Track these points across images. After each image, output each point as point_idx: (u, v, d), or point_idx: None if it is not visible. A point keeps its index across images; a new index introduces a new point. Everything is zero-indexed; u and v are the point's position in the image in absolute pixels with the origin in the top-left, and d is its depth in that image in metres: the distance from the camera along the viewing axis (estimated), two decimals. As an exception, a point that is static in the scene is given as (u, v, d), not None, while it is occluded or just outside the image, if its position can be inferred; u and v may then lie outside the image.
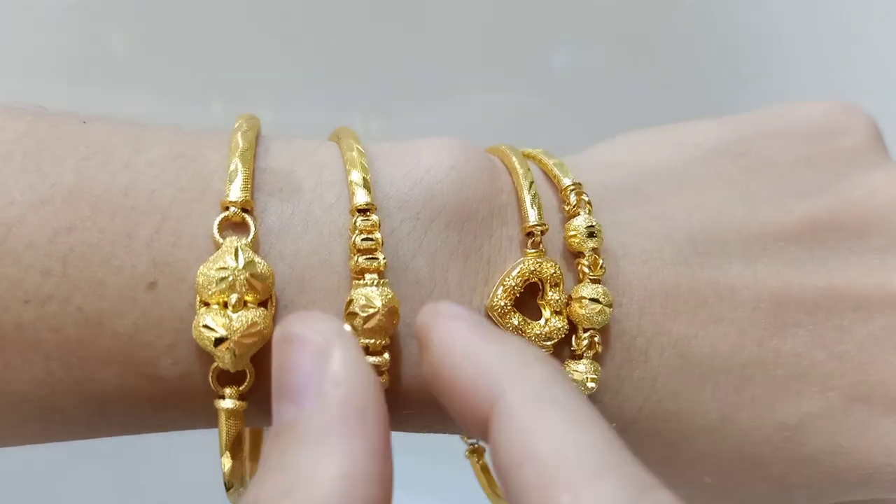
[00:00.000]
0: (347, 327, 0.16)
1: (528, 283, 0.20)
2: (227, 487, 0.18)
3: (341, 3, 0.38)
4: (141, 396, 0.18)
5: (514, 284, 0.20)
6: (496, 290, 0.20)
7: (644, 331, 0.21)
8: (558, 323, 0.20)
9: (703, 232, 0.22)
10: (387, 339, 0.18)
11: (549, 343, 0.20)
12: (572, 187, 0.21)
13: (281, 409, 0.15)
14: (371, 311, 0.18)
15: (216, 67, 0.38)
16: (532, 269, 0.20)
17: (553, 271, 0.20)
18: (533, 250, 0.20)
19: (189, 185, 0.18)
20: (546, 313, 0.20)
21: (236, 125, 0.20)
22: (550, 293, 0.20)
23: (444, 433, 0.21)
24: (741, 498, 0.23)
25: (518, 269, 0.20)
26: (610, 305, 0.20)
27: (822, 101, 0.24)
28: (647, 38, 0.40)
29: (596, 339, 0.20)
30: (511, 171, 0.21)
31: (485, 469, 0.25)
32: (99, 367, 0.17)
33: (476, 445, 0.25)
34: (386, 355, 0.18)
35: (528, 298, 0.20)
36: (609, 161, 0.24)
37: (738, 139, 0.23)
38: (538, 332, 0.20)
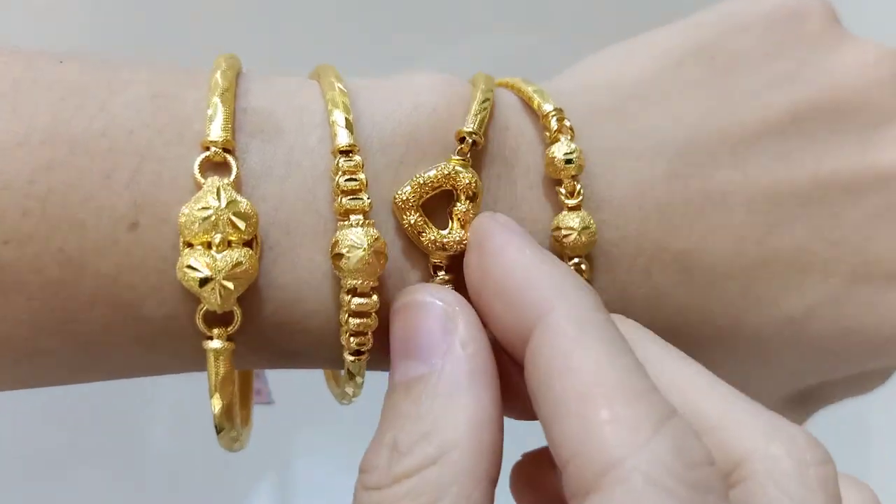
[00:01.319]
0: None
1: (440, 188, 0.19)
2: (218, 430, 0.19)
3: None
4: (127, 338, 0.18)
5: (422, 181, 0.19)
6: (405, 185, 0.19)
7: (644, 250, 0.21)
8: (457, 235, 0.19)
9: (688, 142, 0.22)
10: (375, 280, 0.18)
11: (442, 252, 0.19)
12: (553, 113, 0.21)
13: (409, 366, 0.17)
14: (357, 251, 0.18)
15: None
16: (446, 172, 0.19)
17: (469, 181, 0.19)
18: (458, 157, 0.19)
19: (167, 127, 0.18)
20: (454, 224, 0.19)
21: (215, 64, 0.19)
22: (459, 204, 0.19)
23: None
24: (756, 391, 0.24)
25: (434, 171, 0.19)
26: (587, 230, 0.20)
27: None
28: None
29: (582, 266, 0.20)
30: (472, 99, 0.20)
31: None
32: (83, 309, 0.17)
33: None
34: (374, 297, 0.18)
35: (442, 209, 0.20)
36: (586, 83, 0.23)
37: (707, 41, 0.23)
38: (433, 237, 0.19)
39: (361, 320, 0.18)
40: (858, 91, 0.23)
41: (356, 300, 0.18)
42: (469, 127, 0.19)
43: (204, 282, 0.17)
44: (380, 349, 0.19)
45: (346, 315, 0.18)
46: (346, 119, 0.19)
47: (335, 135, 0.19)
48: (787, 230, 0.22)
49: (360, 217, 0.18)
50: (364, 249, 0.18)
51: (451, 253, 0.19)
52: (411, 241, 0.19)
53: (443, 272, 0.19)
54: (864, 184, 0.22)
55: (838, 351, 0.23)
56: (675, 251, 0.21)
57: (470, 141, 0.19)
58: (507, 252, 0.17)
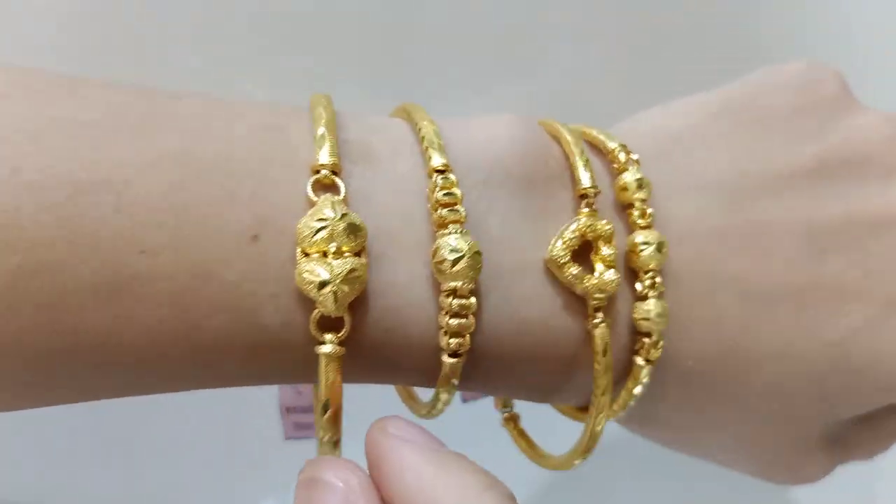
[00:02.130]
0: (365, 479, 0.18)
1: (583, 238, 0.21)
2: (322, 434, 0.20)
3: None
4: (244, 345, 0.19)
5: (571, 237, 0.21)
6: (554, 242, 0.21)
7: (703, 273, 0.23)
8: (612, 275, 0.21)
9: (732, 180, 0.24)
10: (473, 282, 0.20)
11: (601, 295, 0.21)
12: (619, 148, 0.23)
13: None
14: (458, 254, 0.19)
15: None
16: (588, 224, 0.21)
17: (607, 228, 0.22)
18: (587, 209, 0.22)
19: (279, 155, 0.20)
20: (599, 267, 0.21)
21: (313, 101, 0.22)
22: (604, 248, 0.21)
23: (517, 397, 0.23)
24: (799, 422, 0.25)
25: (575, 224, 0.21)
26: (663, 246, 0.22)
27: (794, 61, 0.27)
28: (649, 35, 0.42)
29: (657, 279, 0.22)
30: (561, 141, 0.23)
31: (522, 434, 0.26)
32: (207, 316, 0.19)
33: (511, 413, 0.26)
34: (473, 299, 0.20)
35: (580, 259, 0.22)
36: (633, 131, 0.26)
37: (738, 100, 0.26)
38: (593, 282, 0.21)
39: (460, 321, 0.20)
40: (872, 145, 0.26)
41: (456, 301, 0.20)
42: (587, 183, 0.22)
43: (322, 285, 0.19)
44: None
45: (446, 316, 0.20)
46: (439, 143, 0.21)
47: (430, 157, 0.21)
48: (826, 259, 0.24)
49: (458, 226, 0.20)
50: (464, 253, 0.19)
51: (611, 293, 0.21)
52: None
53: (601, 313, 0.21)
54: (888, 221, 0.25)
55: (874, 378, 0.24)
56: (732, 273, 0.23)
57: (592, 194, 0.22)
58: (406, 478, 0.17)
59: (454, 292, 0.20)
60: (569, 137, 0.23)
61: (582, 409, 0.25)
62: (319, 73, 0.39)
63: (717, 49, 0.41)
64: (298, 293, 0.19)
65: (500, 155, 0.22)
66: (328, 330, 0.19)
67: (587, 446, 0.23)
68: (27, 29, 0.35)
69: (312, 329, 0.19)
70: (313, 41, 0.39)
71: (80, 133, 0.19)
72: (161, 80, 0.22)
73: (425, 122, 0.22)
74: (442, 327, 0.20)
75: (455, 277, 0.19)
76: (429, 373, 0.21)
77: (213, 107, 0.21)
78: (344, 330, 0.19)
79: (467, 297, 0.20)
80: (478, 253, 0.20)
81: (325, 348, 0.19)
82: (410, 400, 0.25)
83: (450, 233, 0.20)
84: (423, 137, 0.21)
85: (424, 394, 0.24)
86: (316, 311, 0.19)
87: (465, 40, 0.41)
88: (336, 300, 0.19)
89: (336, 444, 0.20)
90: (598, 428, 0.22)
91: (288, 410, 0.32)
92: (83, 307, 0.18)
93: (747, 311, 0.23)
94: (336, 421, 0.20)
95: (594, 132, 0.24)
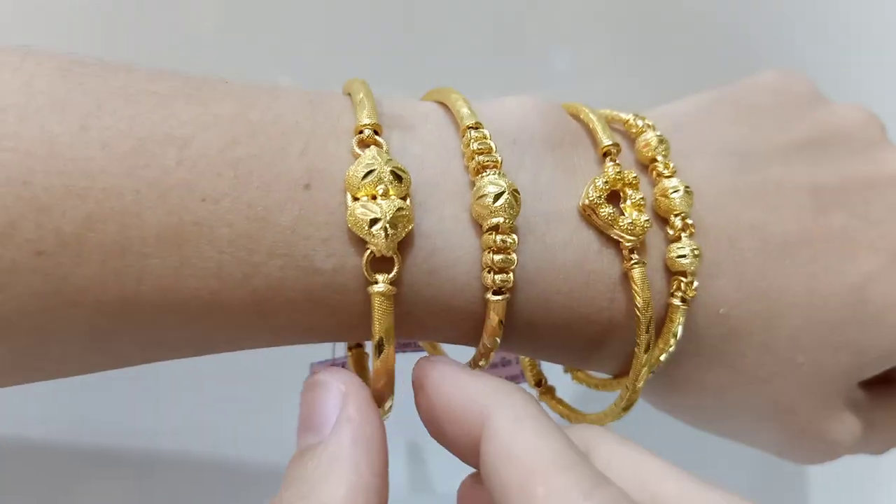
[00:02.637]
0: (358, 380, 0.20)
1: (612, 188, 0.23)
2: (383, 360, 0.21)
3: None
4: (298, 291, 0.20)
5: (602, 185, 0.22)
6: (587, 189, 0.22)
7: (722, 223, 0.25)
8: (642, 217, 0.22)
9: (741, 148, 0.27)
10: (514, 220, 0.21)
11: (633, 236, 0.22)
12: (634, 116, 0.25)
13: (306, 437, 0.20)
14: (499, 188, 0.21)
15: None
16: (615, 174, 0.23)
17: (633, 176, 0.23)
18: (611, 163, 0.23)
19: (323, 121, 0.22)
20: (628, 211, 0.23)
21: (348, 83, 0.23)
22: (631, 193, 0.23)
23: (556, 359, 0.24)
24: (825, 378, 0.26)
25: (603, 176, 0.23)
26: (689, 190, 0.23)
27: (766, 70, 0.30)
28: (649, 37, 0.43)
29: (688, 220, 0.23)
30: (580, 113, 0.25)
31: (560, 402, 0.28)
32: (264, 260, 0.20)
33: (546, 386, 0.28)
34: (514, 235, 0.21)
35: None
36: (647, 114, 0.28)
37: (729, 96, 0.29)
38: (626, 223, 0.22)
39: (503, 256, 0.21)
40: (848, 123, 0.29)
41: (499, 237, 0.21)
42: (607, 141, 0.23)
43: (373, 222, 0.20)
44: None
45: (490, 253, 0.21)
46: (469, 108, 0.22)
47: (461, 117, 0.22)
48: (832, 212, 0.26)
49: (496, 170, 0.21)
50: (504, 189, 0.21)
51: (642, 235, 0.22)
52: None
53: (635, 254, 0.22)
54: (880, 182, 0.28)
55: (892, 323, 0.26)
56: (749, 223, 0.25)
57: (614, 151, 0.23)
58: (444, 383, 0.20)
59: (496, 228, 0.21)
60: (586, 108, 0.24)
61: (617, 377, 0.25)
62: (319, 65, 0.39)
63: (715, 48, 0.43)
64: (350, 238, 0.20)
65: (527, 119, 0.23)
66: (379, 272, 0.20)
67: (630, 400, 0.24)
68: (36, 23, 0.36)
69: (365, 269, 0.20)
70: (312, 27, 0.40)
71: (142, 100, 0.20)
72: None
73: (453, 95, 0.23)
74: (486, 265, 0.21)
75: (497, 213, 0.21)
76: (473, 320, 0.22)
77: (258, 88, 0.22)
78: (395, 270, 0.20)
79: (508, 234, 0.21)
80: (516, 191, 0.21)
81: (378, 287, 0.20)
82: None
83: (488, 174, 0.21)
84: (453, 102, 0.23)
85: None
86: (367, 251, 0.20)
87: (462, 40, 0.42)
88: (387, 237, 0.20)
89: (390, 387, 0.21)
90: (640, 384, 0.23)
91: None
92: (148, 255, 0.19)
93: (768, 257, 0.25)
94: (390, 362, 0.20)
95: (608, 111, 0.26)
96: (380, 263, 0.20)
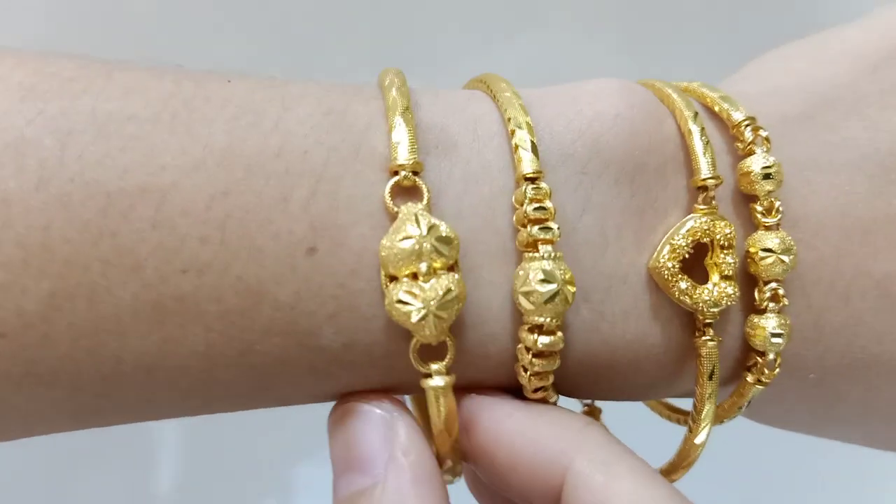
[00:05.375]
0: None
1: (697, 242, 0.18)
2: (446, 468, 0.18)
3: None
4: (302, 368, 0.17)
5: (682, 244, 0.18)
6: (661, 248, 0.18)
7: (843, 274, 0.19)
8: (728, 288, 0.18)
9: (893, 156, 0.20)
10: (562, 318, 0.17)
11: (715, 310, 0.18)
12: (746, 122, 0.19)
13: (352, 480, 0.17)
14: (550, 287, 0.17)
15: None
16: (704, 228, 0.18)
17: (726, 231, 0.18)
18: (704, 206, 0.18)
19: (342, 144, 0.17)
20: (714, 277, 0.18)
21: (387, 81, 0.18)
22: (721, 255, 0.18)
23: (610, 399, 0.20)
24: None
25: (687, 226, 0.18)
26: (788, 252, 0.18)
27: None
28: None
29: (780, 291, 0.19)
30: (676, 115, 0.19)
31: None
32: (260, 339, 0.17)
33: (591, 406, 0.24)
34: (559, 334, 0.17)
35: (693, 259, 0.18)
36: (774, 85, 0.21)
37: (893, 46, 0.21)
38: (706, 297, 0.18)
39: (545, 360, 0.17)
40: None
41: (543, 339, 0.17)
42: (706, 172, 0.18)
43: (418, 315, 0.16)
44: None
45: (529, 355, 0.17)
46: (532, 142, 0.17)
47: (520, 159, 0.17)
48: None
49: (550, 249, 0.17)
50: (557, 287, 0.17)
51: (724, 308, 0.18)
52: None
53: (710, 329, 0.18)
54: None
55: None
56: (877, 275, 0.19)
57: (712, 186, 0.18)
58: (503, 425, 0.17)
59: (540, 328, 0.17)
60: (685, 111, 0.19)
61: (674, 409, 0.22)
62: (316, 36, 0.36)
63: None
64: (360, 310, 0.17)
65: (602, 138, 0.18)
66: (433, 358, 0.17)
67: (688, 462, 0.21)
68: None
69: (413, 360, 0.17)
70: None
71: (115, 130, 0.16)
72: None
73: (508, 95, 0.18)
74: (522, 364, 0.17)
75: (544, 313, 0.17)
76: (514, 387, 0.19)
77: (266, 90, 0.18)
78: (448, 357, 0.17)
79: (554, 333, 0.17)
80: (571, 283, 0.17)
81: (435, 382, 0.17)
82: None
83: (541, 257, 0.17)
84: (508, 120, 0.18)
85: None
86: (415, 339, 0.17)
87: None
88: (435, 328, 0.16)
89: (458, 473, 0.19)
90: (696, 453, 0.20)
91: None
92: (124, 333, 0.16)
93: (887, 319, 0.20)
94: (457, 449, 0.18)
95: (715, 97, 0.20)
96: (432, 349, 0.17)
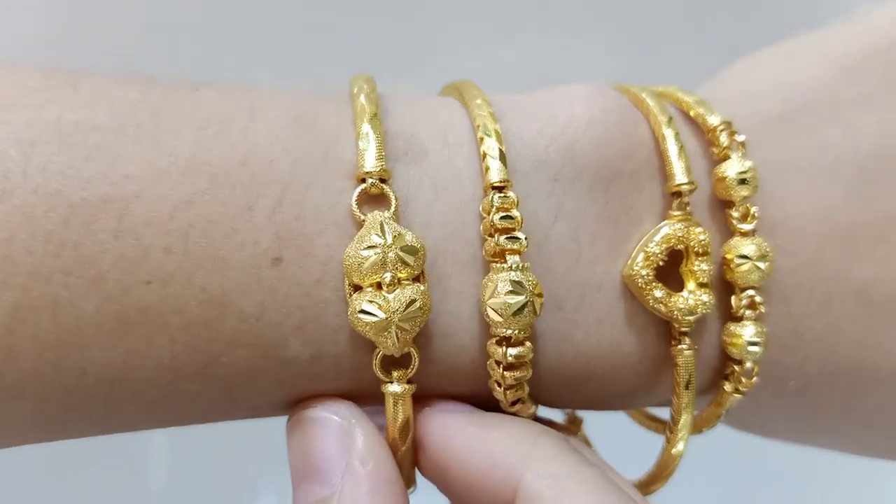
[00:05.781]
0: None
1: (672, 249, 0.18)
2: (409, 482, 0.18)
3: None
4: (269, 380, 0.17)
5: (656, 252, 0.18)
6: (635, 256, 0.18)
7: (822, 280, 0.19)
8: (704, 296, 0.18)
9: (872, 159, 0.20)
10: (530, 329, 0.17)
11: (691, 318, 0.18)
12: (721, 126, 0.19)
13: (309, 491, 0.16)
14: (518, 299, 0.16)
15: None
16: (678, 234, 0.18)
17: (701, 238, 0.18)
18: (679, 212, 0.18)
19: (309, 152, 0.17)
20: (690, 284, 0.18)
21: (355, 88, 0.18)
22: (696, 262, 0.18)
23: (590, 409, 0.20)
24: None
25: (662, 233, 0.18)
26: (764, 259, 0.18)
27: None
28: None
29: (757, 298, 0.18)
30: (650, 119, 0.19)
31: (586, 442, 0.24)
32: (225, 350, 0.17)
33: (572, 416, 0.23)
34: (528, 344, 0.17)
35: (667, 269, 0.18)
36: (750, 89, 0.21)
37: (882, 46, 0.21)
38: (681, 305, 0.18)
39: (517, 372, 0.17)
40: None
41: (512, 351, 0.17)
42: (681, 178, 0.18)
43: (380, 326, 0.16)
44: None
45: (501, 369, 0.17)
46: (500, 150, 0.17)
47: (487, 168, 0.17)
48: None
49: (518, 259, 0.17)
50: (526, 298, 0.16)
51: (699, 316, 0.18)
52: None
53: (688, 339, 0.18)
54: None
55: None
56: (856, 281, 0.19)
57: (686, 192, 0.18)
58: (454, 441, 0.17)
59: (508, 340, 0.17)
60: (660, 115, 0.19)
61: (654, 419, 0.22)
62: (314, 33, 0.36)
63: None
64: (326, 321, 0.17)
65: (576, 144, 0.18)
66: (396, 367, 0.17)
67: (667, 473, 0.21)
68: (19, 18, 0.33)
69: (376, 369, 0.17)
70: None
71: (79, 140, 0.16)
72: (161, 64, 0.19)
73: (479, 102, 0.18)
74: (494, 378, 0.17)
75: (511, 325, 0.16)
76: (488, 401, 0.18)
77: (233, 98, 0.18)
78: (412, 367, 0.17)
79: (522, 344, 0.17)
80: (540, 295, 0.17)
81: (393, 388, 0.17)
82: None
83: (509, 268, 0.17)
84: (478, 127, 0.18)
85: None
86: (378, 350, 0.17)
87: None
88: (398, 340, 0.16)
89: (412, 480, 0.18)
90: (674, 464, 0.20)
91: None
92: (87, 345, 0.16)
93: (870, 324, 0.19)
94: (408, 459, 0.18)
95: (690, 101, 0.20)
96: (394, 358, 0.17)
